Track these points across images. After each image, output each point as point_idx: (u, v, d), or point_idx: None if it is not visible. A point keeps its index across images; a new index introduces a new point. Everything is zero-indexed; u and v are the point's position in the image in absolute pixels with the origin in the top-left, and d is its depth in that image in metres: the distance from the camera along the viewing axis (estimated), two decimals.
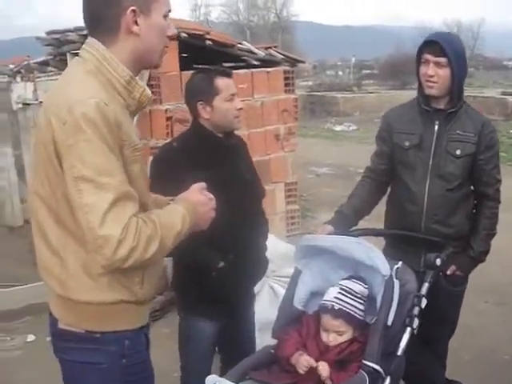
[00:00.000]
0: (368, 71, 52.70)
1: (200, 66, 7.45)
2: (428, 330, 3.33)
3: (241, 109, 3.57)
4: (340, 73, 56.44)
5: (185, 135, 3.70)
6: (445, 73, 3.62)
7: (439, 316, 3.49)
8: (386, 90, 32.82)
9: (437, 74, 3.63)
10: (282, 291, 5.20)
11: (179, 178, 3.12)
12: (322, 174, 13.64)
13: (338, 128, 22.64)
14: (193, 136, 3.59)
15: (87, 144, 2.12)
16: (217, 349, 3.94)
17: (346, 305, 3.11)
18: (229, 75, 3.54)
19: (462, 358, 4.42)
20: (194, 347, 3.72)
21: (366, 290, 3.21)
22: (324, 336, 3.15)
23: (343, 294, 3.14)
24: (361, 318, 3.14)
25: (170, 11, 2.43)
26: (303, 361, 3.04)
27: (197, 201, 2.50)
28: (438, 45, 3.60)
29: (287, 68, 8.08)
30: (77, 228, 2.23)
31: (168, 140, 6.53)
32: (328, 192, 11.65)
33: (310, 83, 36.15)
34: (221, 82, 3.46)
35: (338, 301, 3.12)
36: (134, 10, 2.29)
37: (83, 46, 2.40)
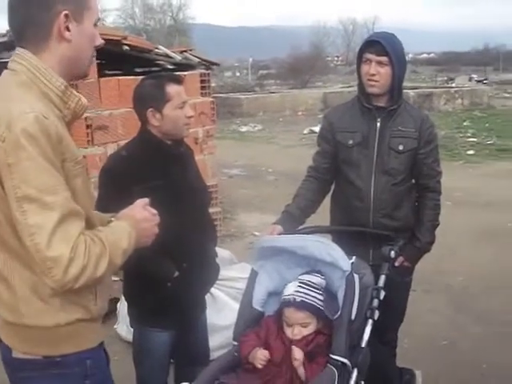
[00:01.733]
0: (265, 71, 53.06)
1: (116, 72, 7.44)
2: (380, 321, 3.38)
3: (191, 117, 3.53)
4: (238, 74, 56.70)
5: (133, 143, 3.60)
6: (386, 71, 3.72)
7: (389, 307, 3.58)
8: (287, 90, 33.15)
9: (379, 72, 3.72)
10: (218, 294, 5.25)
11: (129, 188, 3.12)
12: (234, 175, 13.69)
13: (243, 129, 22.72)
14: (142, 144, 3.51)
15: (29, 162, 2.01)
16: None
17: (307, 296, 3.17)
18: (179, 82, 3.50)
19: (402, 346, 4.54)
20: (149, 358, 3.69)
21: (324, 281, 3.28)
22: (288, 331, 3.18)
23: (303, 287, 3.20)
24: (322, 308, 3.19)
25: (98, 19, 2.36)
26: (259, 355, 3.11)
27: (141, 217, 2.40)
28: (380, 44, 3.69)
29: (203, 71, 8.11)
30: (23, 250, 2.12)
31: (92, 148, 6.50)
32: (242, 193, 11.75)
33: (213, 84, 35.97)
34: (172, 88, 3.40)
35: (298, 293, 3.17)
36: (66, 15, 2.18)
37: (13, 56, 2.27)
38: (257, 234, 8.56)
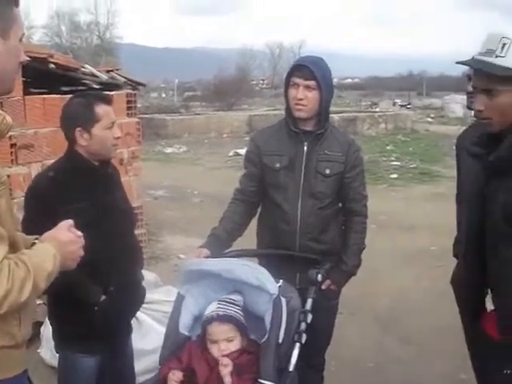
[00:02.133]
0: (191, 93, 53.09)
1: (42, 90, 7.30)
2: (307, 344, 3.38)
3: (119, 137, 3.50)
4: (164, 95, 56.61)
5: (60, 163, 3.53)
6: (314, 96, 3.73)
7: (316, 330, 3.57)
8: (213, 112, 33.19)
9: (306, 97, 3.73)
10: (144, 318, 5.17)
11: (55, 210, 3.05)
12: (159, 196, 13.59)
13: (168, 150, 22.61)
14: (69, 165, 3.44)
15: None
16: None
17: (229, 310, 3.19)
18: (109, 102, 3.45)
19: (329, 369, 4.54)
20: None
21: (242, 298, 3.31)
22: (215, 349, 3.17)
23: (223, 304, 3.23)
24: (244, 323, 3.21)
25: (23, 34, 2.29)
26: (171, 375, 3.12)
27: (65, 239, 2.34)
28: (308, 69, 3.70)
29: (129, 91, 8.04)
30: None
31: (16, 167, 6.35)
32: (167, 215, 11.67)
33: (138, 105, 35.77)
34: (101, 108, 3.36)
35: (220, 309, 3.19)
36: None
37: None
38: (182, 256, 8.49)
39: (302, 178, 3.82)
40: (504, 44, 2.70)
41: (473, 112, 4.00)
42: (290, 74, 3.80)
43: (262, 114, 29.18)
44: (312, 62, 3.78)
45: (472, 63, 2.84)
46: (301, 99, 3.73)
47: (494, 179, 2.87)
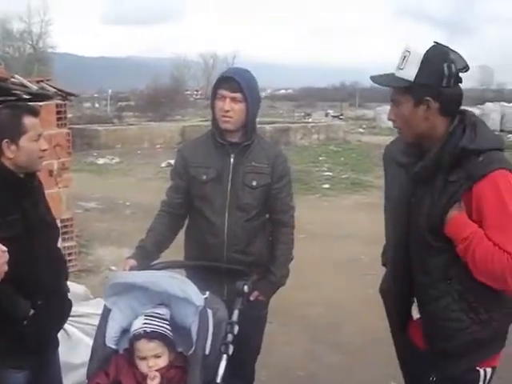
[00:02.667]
0: (124, 103, 52.63)
1: None
2: (235, 355, 3.38)
3: (45, 150, 3.45)
4: (97, 105, 56.00)
5: None
6: (240, 108, 3.75)
7: (246, 341, 3.59)
8: (146, 122, 32.97)
9: (233, 109, 3.73)
10: (73, 331, 5.10)
11: None
12: (90, 208, 13.40)
13: (101, 161, 22.33)
14: None
15: None
16: None
17: (156, 326, 3.17)
18: (36, 114, 3.40)
19: (259, 378, 4.56)
20: None
21: (169, 311, 3.30)
22: (143, 366, 3.15)
23: (150, 319, 3.21)
24: (171, 337, 3.20)
25: None
26: None
27: None
28: (234, 81, 3.72)
29: (60, 102, 7.94)
30: None
31: None
32: (99, 226, 11.52)
33: (70, 115, 35.32)
34: (29, 121, 3.31)
35: (147, 325, 3.18)
36: None
37: None
38: (113, 268, 8.42)
39: (229, 190, 3.83)
40: (404, 57, 2.83)
41: None
42: (217, 86, 3.81)
43: (195, 125, 29.05)
44: (238, 73, 3.80)
45: (375, 78, 2.99)
46: (227, 111, 3.74)
47: (419, 189, 2.95)
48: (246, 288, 3.54)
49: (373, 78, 3.01)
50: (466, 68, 2.86)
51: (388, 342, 4.10)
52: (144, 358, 3.15)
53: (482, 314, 2.89)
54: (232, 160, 3.85)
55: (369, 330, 6.32)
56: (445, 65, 2.79)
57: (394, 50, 3.12)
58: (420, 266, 2.99)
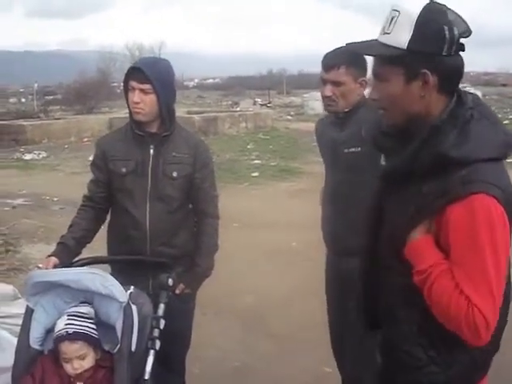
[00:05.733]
0: (52, 97, 51.78)
1: None
2: (164, 350, 3.36)
3: None
4: (23, 100, 54.98)
5: None
6: (151, 99, 3.69)
7: (174, 334, 3.55)
8: (72, 116, 32.48)
9: (143, 100, 3.68)
10: (1, 332, 4.97)
11: None
12: (17, 205, 13.14)
13: (27, 157, 21.93)
14: None
15: None
16: None
17: (79, 327, 3.11)
18: None
19: (193, 371, 4.53)
20: None
21: (92, 309, 3.24)
22: (68, 368, 3.09)
23: (72, 319, 3.14)
24: (96, 336, 3.15)
25: None
26: None
27: None
28: (142, 72, 3.66)
29: None
30: None
31: None
32: (26, 223, 11.28)
33: None
34: None
35: (70, 326, 3.11)
36: None
37: None
38: (42, 266, 8.24)
39: (150, 182, 3.79)
40: (392, 18, 2.24)
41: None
42: (127, 78, 3.76)
43: (122, 117, 28.58)
44: (147, 64, 3.76)
45: (354, 46, 2.47)
46: (137, 103, 3.69)
47: (389, 192, 2.44)
48: (170, 281, 3.49)
49: (352, 46, 2.49)
50: (467, 32, 2.25)
51: (321, 329, 4.13)
52: (69, 360, 3.09)
53: (444, 353, 2.30)
54: (152, 151, 3.80)
55: (301, 317, 6.36)
56: (445, 27, 2.18)
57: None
58: (386, 282, 2.46)
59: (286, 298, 7.15)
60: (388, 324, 2.43)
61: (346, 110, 3.79)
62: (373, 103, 2.41)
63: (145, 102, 3.69)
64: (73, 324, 3.11)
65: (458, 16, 2.23)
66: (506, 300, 2.29)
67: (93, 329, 3.15)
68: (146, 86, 3.67)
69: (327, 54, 3.82)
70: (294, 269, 8.06)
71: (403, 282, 2.31)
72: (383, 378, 2.53)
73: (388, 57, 2.25)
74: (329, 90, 3.75)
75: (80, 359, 3.09)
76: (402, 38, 2.20)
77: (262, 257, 8.86)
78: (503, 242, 2.14)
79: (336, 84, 3.73)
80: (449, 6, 2.24)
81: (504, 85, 69.67)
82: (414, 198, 2.24)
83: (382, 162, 3.16)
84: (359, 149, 3.69)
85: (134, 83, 3.70)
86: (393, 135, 2.41)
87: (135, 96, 3.69)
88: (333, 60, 3.74)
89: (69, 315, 3.17)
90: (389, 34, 2.23)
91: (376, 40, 2.28)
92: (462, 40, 2.23)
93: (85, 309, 3.22)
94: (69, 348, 3.08)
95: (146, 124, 3.79)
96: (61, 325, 3.14)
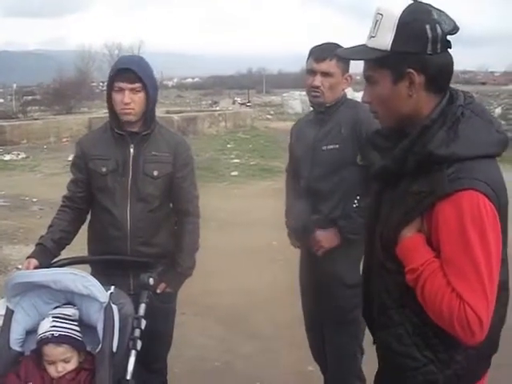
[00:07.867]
0: (30, 97, 51.47)
1: None
2: (146, 350, 3.36)
3: None
4: (2, 100, 54.60)
5: None
6: (140, 98, 3.67)
7: (155, 334, 3.55)
8: (51, 116, 32.30)
9: (133, 100, 3.66)
10: None
11: None
12: None
13: (6, 157, 21.78)
14: None
15: None
16: None
17: (64, 330, 3.09)
18: None
19: (173, 371, 4.52)
20: None
21: (77, 311, 3.22)
22: (52, 370, 3.08)
23: (57, 321, 3.12)
24: (81, 339, 3.13)
25: None
26: None
27: None
28: (131, 71, 3.63)
29: None
30: None
31: None
32: (5, 224, 11.20)
33: None
34: None
35: (55, 328, 3.09)
36: None
37: None
38: (21, 267, 8.20)
39: (130, 182, 3.77)
40: (376, 21, 2.27)
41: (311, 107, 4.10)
42: (113, 78, 3.70)
43: (101, 117, 28.45)
44: (134, 63, 3.73)
45: (343, 52, 2.59)
46: (127, 103, 3.66)
47: (383, 192, 2.45)
48: (151, 280, 3.49)
49: (340, 52, 2.63)
50: (455, 29, 2.25)
51: (302, 327, 4.13)
52: (52, 363, 3.08)
53: (441, 352, 2.29)
54: (132, 150, 3.78)
55: (282, 315, 6.33)
56: (427, 26, 2.19)
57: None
58: (381, 281, 2.45)
59: (267, 296, 7.16)
60: (383, 324, 2.43)
61: (329, 104, 3.92)
62: (358, 103, 2.42)
63: (135, 101, 3.67)
64: (58, 326, 3.09)
65: (444, 14, 2.24)
66: (503, 301, 2.31)
67: (77, 331, 3.14)
68: (137, 85, 3.65)
69: (316, 46, 3.96)
70: (275, 267, 8.08)
71: (397, 281, 2.32)
72: (381, 379, 2.56)
73: (374, 60, 2.29)
74: (318, 81, 3.88)
75: (64, 362, 3.08)
76: (385, 40, 2.22)
77: (242, 256, 8.87)
78: (494, 238, 2.14)
79: (326, 75, 3.87)
80: (434, 5, 2.25)
81: (483, 83, 70.25)
82: (404, 197, 2.26)
83: (359, 161, 3.41)
84: (337, 146, 3.86)
85: (122, 84, 3.66)
86: (388, 135, 2.44)
87: (125, 97, 3.65)
88: (325, 51, 3.86)
89: (54, 317, 3.15)
90: (374, 37, 2.26)
91: (364, 45, 2.31)
92: (450, 37, 2.24)
93: (69, 311, 3.20)
94: (53, 351, 3.07)
95: (129, 123, 3.77)
96: (45, 326, 3.11)
